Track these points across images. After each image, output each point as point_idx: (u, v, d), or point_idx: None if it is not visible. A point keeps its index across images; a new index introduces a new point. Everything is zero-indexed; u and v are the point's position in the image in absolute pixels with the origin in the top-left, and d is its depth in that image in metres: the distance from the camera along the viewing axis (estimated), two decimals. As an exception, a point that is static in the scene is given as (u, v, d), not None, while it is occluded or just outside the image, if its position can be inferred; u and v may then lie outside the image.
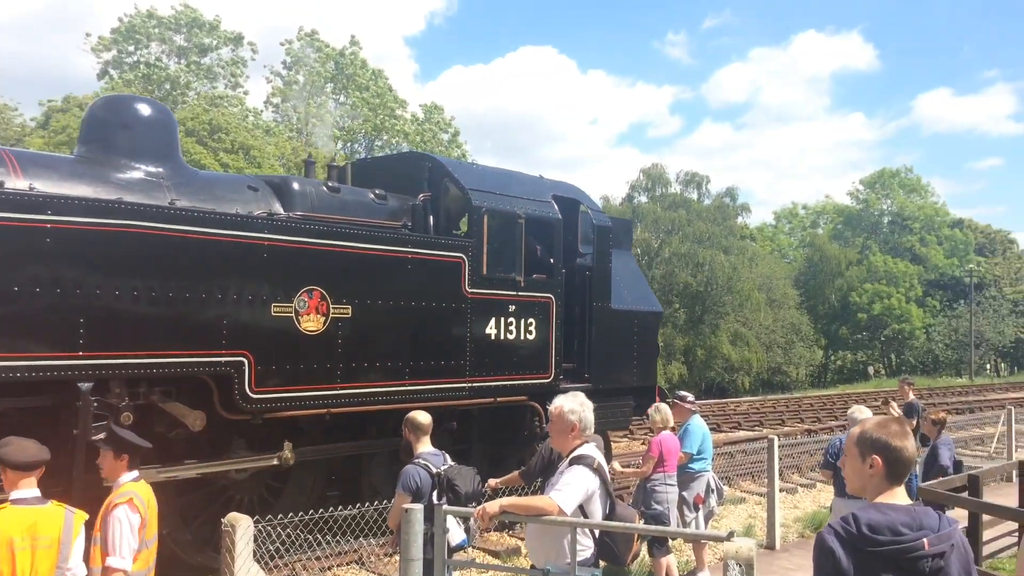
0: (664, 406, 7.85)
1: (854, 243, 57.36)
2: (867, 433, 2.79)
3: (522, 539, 8.81)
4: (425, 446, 5.57)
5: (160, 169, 7.85)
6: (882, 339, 52.77)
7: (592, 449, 4.56)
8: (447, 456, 5.59)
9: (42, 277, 6.33)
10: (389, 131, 37.32)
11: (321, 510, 7.14)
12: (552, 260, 10.44)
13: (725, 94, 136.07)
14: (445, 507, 4.54)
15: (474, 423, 10.01)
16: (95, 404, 6.59)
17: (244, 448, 7.94)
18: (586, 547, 4.38)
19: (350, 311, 8.23)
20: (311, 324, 7.91)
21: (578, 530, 4.26)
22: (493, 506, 4.25)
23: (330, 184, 9.14)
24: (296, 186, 8.74)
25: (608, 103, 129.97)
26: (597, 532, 4.43)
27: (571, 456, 4.43)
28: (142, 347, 6.82)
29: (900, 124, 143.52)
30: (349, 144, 38.41)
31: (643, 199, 44.55)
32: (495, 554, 8.83)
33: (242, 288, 7.46)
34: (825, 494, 13.04)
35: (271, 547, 6.65)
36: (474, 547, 8.83)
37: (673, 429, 7.91)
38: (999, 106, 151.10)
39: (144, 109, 8.12)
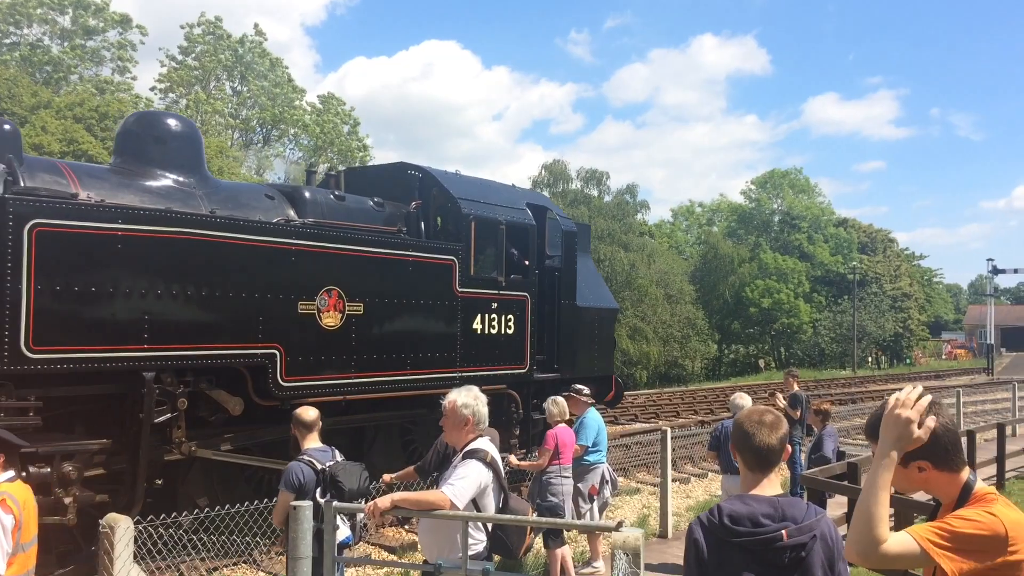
0: (560, 399, 7.92)
1: (747, 240, 59.25)
2: (735, 425, 2.83)
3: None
4: (312, 442, 5.46)
5: (191, 179, 8.69)
6: (772, 333, 54.78)
7: (486, 443, 4.55)
8: (336, 452, 5.49)
9: (115, 279, 7.23)
10: (287, 121, 36.48)
11: (207, 509, 7.04)
12: (527, 262, 11.54)
13: (626, 93, 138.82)
14: (335, 504, 4.49)
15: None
16: (157, 391, 7.49)
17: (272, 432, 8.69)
18: (478, 541, 4.39)
19: (362, 308, 9.26)
20: (330, 320, 8.93)
21: (470, 524, 4.26)
22: (384, 501, 4.21)
23: (336, 193, 10.08)
24: (307, 194, 9.69)
25: (512, 99, 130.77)
26: (490, 525, 4.45)
27: (464, 450, 4.43)
28: (192, 341, 7.75)
29: (791, 127, 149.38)
30: (245, 133, 37.43)
31: (546, 194, 45.07)
32: (391, 550, 8.76)
33: (273, 288, 8.40)
34: (716, 483, 13.48)
35: (154, 548, 6.42)
36: (370, 543, 8.85)
37: (569, 422, 8.03)
38: (882, 111, 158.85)
39: (174, 124, 8.96)
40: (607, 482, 8.17)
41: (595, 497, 8.03)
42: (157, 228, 7.56)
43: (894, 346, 61.01)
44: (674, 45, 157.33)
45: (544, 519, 6.24)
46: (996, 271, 53.25)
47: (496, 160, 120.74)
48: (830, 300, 57.68)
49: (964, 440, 13.48)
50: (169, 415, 7.66)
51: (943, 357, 71.09)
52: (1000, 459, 13.04)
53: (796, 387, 12.60)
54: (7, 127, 7.92)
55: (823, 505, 8.24)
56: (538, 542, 8.01)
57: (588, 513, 8.01)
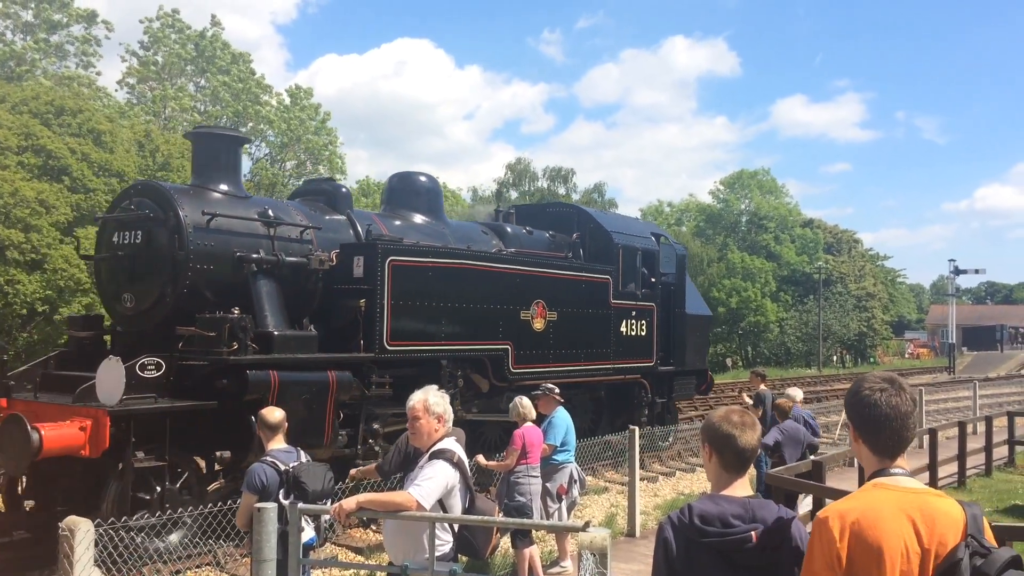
0: (524, 398, 7.89)
1: (715, 240, 59.75)
2: (707, 425, 2.83)
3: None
4: (277, 443, 5.40)
5: (438, 220, 12.36)
6: (740, 332, 55.28)
7: (452, 443, 4.53)
8: (301, 453, 5.44)
9: (427, 297, 10.54)
10: (252, 118, 35.84)
11: (169, 511, 7.10)
12: (653, 279, 15.01)
13: (597, 93, 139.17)
14: (300, 505, 4.43)
15: (605, 393, 14.52)
16: (447, 372, 10.87)
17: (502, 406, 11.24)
18: (445, 542, 4.36)
19: (556, 316, 12.69)
20: (539, 324, 12.39)
21: (437, 525, 4.22)
22: (350, 502, 4.17)
23: (527, 228, 13.79)
24: (509, 230, 13.41)
25: (484, 99, 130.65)
26: (456, 526, 4.41)
27: (431, 450, 4.41)
28: (463, 339, 11.11)
29: (760, 128, 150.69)
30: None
31: (514, 194, 45.02)
32: (358, 551, 8.71)
33: (506, 301, 11.85)
34: (685, 481, 13.57)
35: (115, 551, 6.31)
36: (336, 544, 8.80)
37: (535, 422, 8.01)
38: (849, 114, 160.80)
39: (425, 180, 12.62)
40: (575, 481, 8.16)
41: (563, 496, 8.02)
42: (449, 261, 10.98)
43: (858, 345, 61.81)
44: (645, 46, 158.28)
45: (511, 519, 6.23)
46: (958, 271, 54.26)
47: (467, 159, 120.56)
48: (796, 299, 58.27)
49: (926, 439, 13.73)
50: (453, 390, 10.88)
51: (906, 356, 72.15)
52: (961, 457, 13.28)
53: (762, 386, 12.72)
54: (344, 190, 11.51)
55: (793, 503, 8.32)
56: (506, 542, 8.01)
57: (556, 513, 8.00)
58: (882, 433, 2.45)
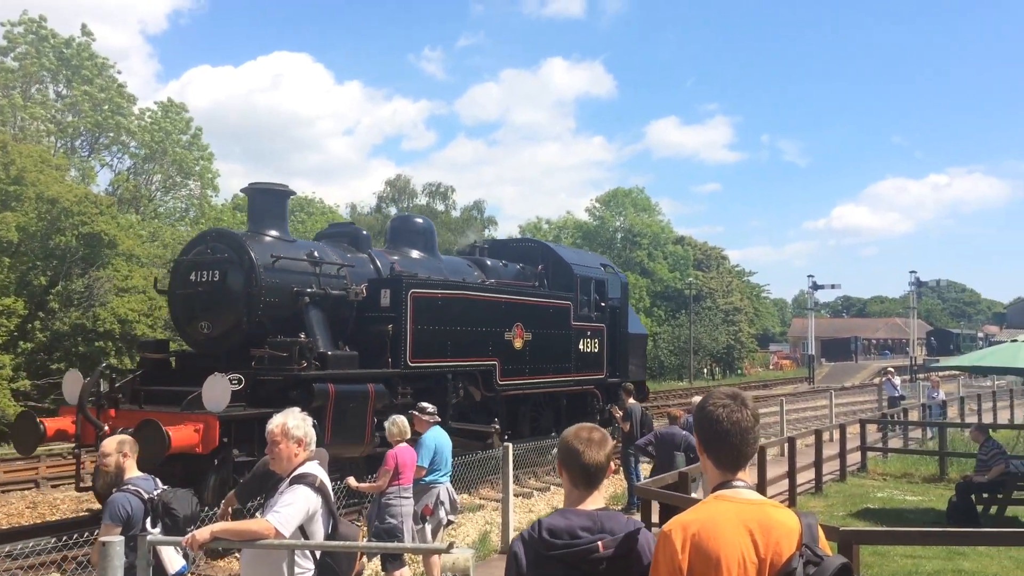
0: (401, 418, 7.82)
1: (591, 257, 60.88)
2: (559, 441, 2.91)
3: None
4: (134, 471, 5.10)
5: (433, 257, 14.70)
6: (615, 347, 56.42)
7: (315, 467, 4.41)
8: (158, 480, 5.19)
9: (436, 321, 12.82)
10: (114, 129, 34.08)
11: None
12: (603, 303, 17.63)
13: (478, 111, 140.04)
14: (149, 538, 4.20)
15: (566, 401, 16.83)
16: (451, 385, 13.23)
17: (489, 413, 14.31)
18: (306, 569, 4.25)
19: (531, 336, 15.07)
20: (518, 343, 14.75)
21: (297, 552, 4.12)
22: (203, 533, 4.01)
23: (503, 262, 16.28)
24: (489, 263, 15.88)
25: (364, 114, 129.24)
26: (318, 552, 4.32)
27: (292, 475, 4.29)
28: (464, 357, 13.50)
29: (635, 148, 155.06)
30: (71, 140, 34.84)
31: (393, 210, 44.73)
32: (223, 581, 8.46)
33: (494, 324, 14.23)
34: (558, 496, 13.69)
35: None
36: (198, 575, 8.38)
37: (411, 442, 7.93)
38: (718, 136, 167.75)
39: (423, 222, 15.22)
40: (442, 503, 8.08)
41: (428, 518, 7.94)
42: (456, 292, 13.46)
43: (727, 357, 64.15)
44: (525, 66, 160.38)
45: (373, 544, 6.12)
46: (816, 287, 57.07)
47: (346, 175, 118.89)
48: (668, 314, 60.06)
49: (785, 447, 14.29)
50: (455, 399, 13.36)
51: (770, 367, 75.15)
52: (817, 463, 13.91)
53: (631, 401, 13.02)
54: (364, 233, 13.87)
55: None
56: (377, 564, 7.88)
57: (419, 535, 7.86)
58: (724, 447, 2.54)
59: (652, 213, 66.31)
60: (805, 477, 13.64)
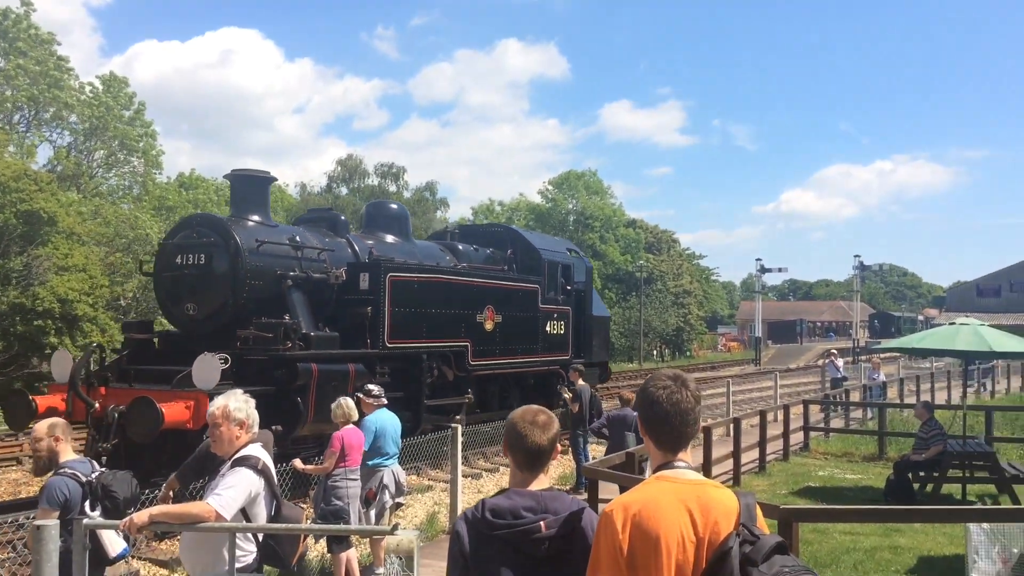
0: (347, 400, 7.75)
1: (543, 239, 60.98)
2: (507, 425, 2.91)
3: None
4: (69, 454, 4.97)
5: (407, 242, 15.14)
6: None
7: (257, 449, 4.35)
8: (95, 463, 5.09)
9: (413, 304, 13.37)
10: (53, 103, 32.83)
11: None
12: (569, 287, 18.46)
13: (432, 91, 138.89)
14: (86, 521, 4.12)
15: (534, 381, 17.41)
16: (426, 365, 13.71)
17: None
18: (248, 552, 4.19)
19: (501, 318, 15.64)
20: (489, 325, 15.31)
21: (239, 535, 4.07)
22: (141, 516, 3.93)
23: (474, 246, 16.81)
24: (461, 248, 16.34)
25: (315, 92, 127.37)
26: (261, 535, 4.27)
27: (234, 457, 4.23)
28: (438, 338, 14.02)
29: (588, 131, 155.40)
30: (9, 115, 33.45)
31: (344, 191, 44.27)
32: (164, 564, 8.25)
33: (467, 306, 14.79)
34: (507, 477, 13.73)
35: None
36: (139, 558, 8.32)
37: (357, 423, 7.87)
38: (671, 120, 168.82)
39: (397, 208, 15.91)
40: (386, 486, 7.99)
41: (372, 501, 7.88)
42: (431, 276, 14.02)
43: (676, 340, 64.94)
44: (480, 47, 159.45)
45: (315, 526, 6.07)
46: (764, 270, 58.18)
47: (296, 154, 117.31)
48: (619, 297, 60.51)
49: (731, 427, 14.53)
50: (430, 379, 13.86)
51: (719, 349, 76.41)
52: (762, 443, 14.22)
53: (580, 382, 13.08)
54: (343, 218, 14.18)
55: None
56: (323, 546, 7.82)
57: (363, 517, 7.78)
58: (664, 428, 2.56)
59: (604, 196, 66.62)
60: (750, 457, 13.90)
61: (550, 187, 65.07)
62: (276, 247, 12.21)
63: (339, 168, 45.30)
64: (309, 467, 7.81)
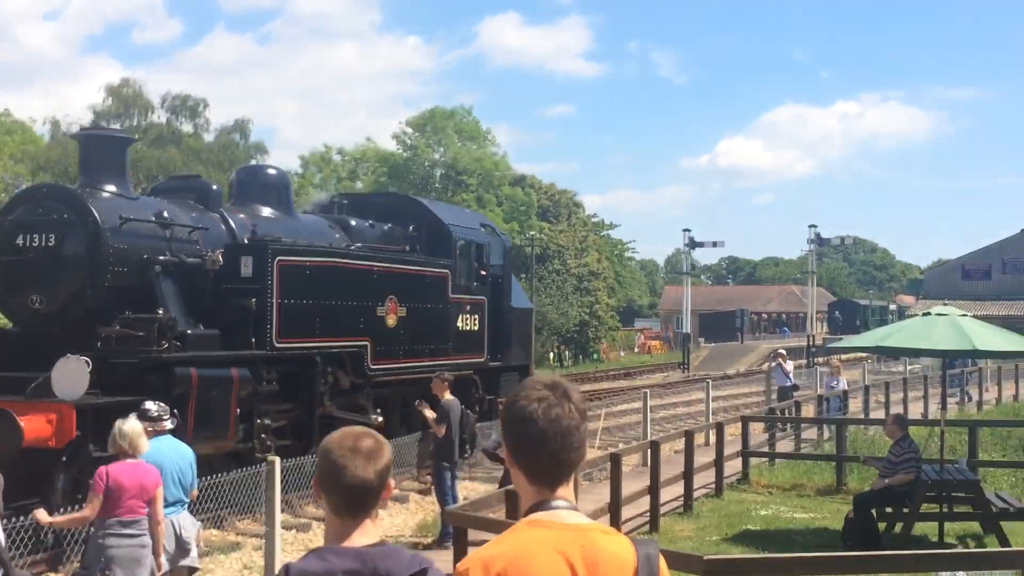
0: (132, 424, 7.56)
1: (400, 201, 60.62)
2: (318, 455, 2.83)
3: None
4: None
5: (289, 216, 16.09)
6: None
7: None
8: None
9: (308, 294, 14.30)
10: None
11: None
12: (483, 272, 19.42)
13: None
14: None
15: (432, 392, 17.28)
16: (320, 370, 14.59)
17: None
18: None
19: (406, 312, 16.65)
20: (392, 320, 16.33)
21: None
22: None
23: (370, 222, 17.71)
24: (353, 224, 17.32)
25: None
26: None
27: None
28: (331, 335, 14.88)
29: (463, 53, 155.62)
30: None
31: (116, 125, 42.95)
32: None
33: (366, 298, 15.76)
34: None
35: None
36: None
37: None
38: (573, 41, 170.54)
39: (276, 174, 17.20)
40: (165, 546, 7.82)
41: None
42: (322, 260, 14.73)
43: (579, 338, 65.75)
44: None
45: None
46: (694, 244, 59.11)
47: (49, 77, 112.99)
48: (504, 279, 60.89)
49: (648, 454, 14.91)
50: (325, 386, 14.76)
51: (636, 350, 77.85)
52: (688, 474, 14.51)
53: (448, 396, 13.06)
54: (215, 187, 15.54)
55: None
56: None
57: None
58: (540, 455, 2.55)
59: (483, 143, 66.94)
60: (672, 493, 14.20)
61: (409, 130, 65.08)
62: (141, 225, 12.96)
63: (110, 99, 43.77)
64: (59, 519, 7.61)
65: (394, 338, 16.47)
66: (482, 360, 19.15)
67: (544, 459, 2.53)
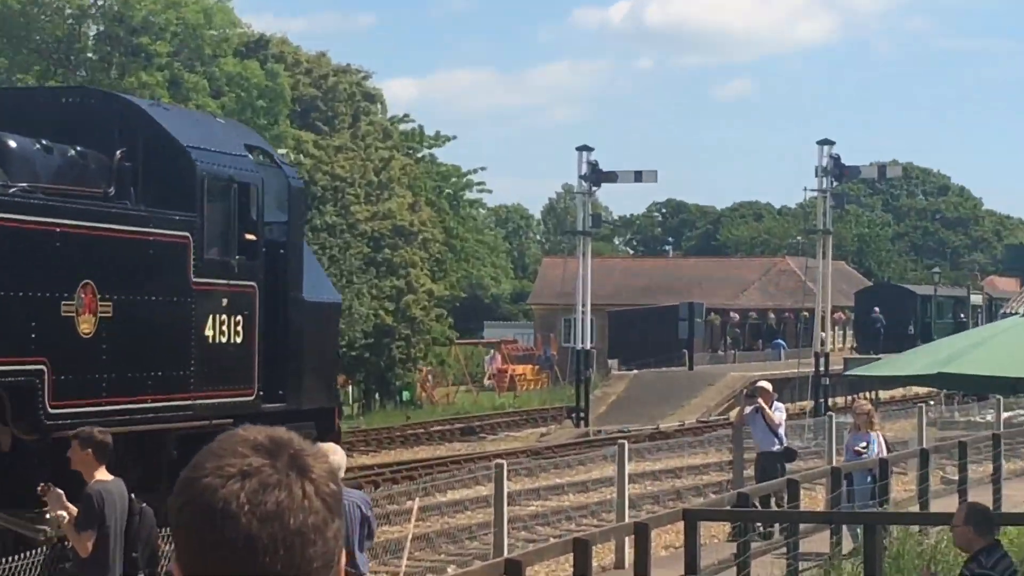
0: None
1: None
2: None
3: None
4: None
5: None
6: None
7: None
8: None
9: None
10: None
11: None
12: (253, 235, 20.84)
13: None
14: None
15: (177, 452, 18.82)
16: None
17: None
18: None
19: (111, 308, 19.43)
20: (87, 325, 19.49)
21: None
22: None
23: (42, 143, 18.88)
24: (14, 145, 18.80)
25: None
26: None
27: None
28: None
29: None
30: None
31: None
32: None
33: (42, 286, 18.77)
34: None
35: None
36: None
37: None
38: None
39: None
40: None
41: None
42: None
43: (371, 359, 67.44)
44: None
45: None
46: (599, 176, 59.18)
47: None
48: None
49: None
50: None
51: (486, 382, 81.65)
52: None
53: (100, 474, 13.35)
54: None
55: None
56: None
57: None
58: (230, 570, 2.41)
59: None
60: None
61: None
62: None
63: None
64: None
65: (91, 357, 17.44)
66: (250, 399, 20.42)
67: None
